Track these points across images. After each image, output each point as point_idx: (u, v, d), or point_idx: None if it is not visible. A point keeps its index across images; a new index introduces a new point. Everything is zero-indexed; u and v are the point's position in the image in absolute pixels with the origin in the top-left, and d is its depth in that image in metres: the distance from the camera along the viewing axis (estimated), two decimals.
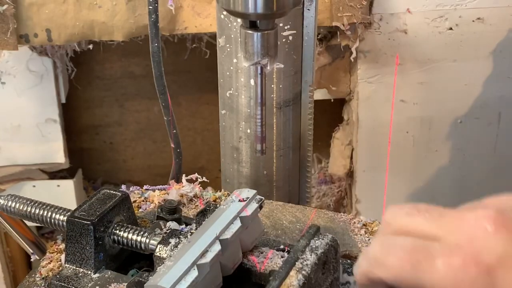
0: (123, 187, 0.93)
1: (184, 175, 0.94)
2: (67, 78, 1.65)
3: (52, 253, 0.80)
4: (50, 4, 1.34)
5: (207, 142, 1.88)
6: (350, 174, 1.64)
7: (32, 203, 0.78)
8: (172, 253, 0.67)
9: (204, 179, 0.93)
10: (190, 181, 0.93)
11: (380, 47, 1.45)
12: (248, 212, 0.71)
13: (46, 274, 0.76)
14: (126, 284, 0.70)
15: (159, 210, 0.78)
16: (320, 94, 1.59)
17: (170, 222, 0.77)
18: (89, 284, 0.71)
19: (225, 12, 0.90)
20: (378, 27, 1.42)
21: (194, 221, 0.73)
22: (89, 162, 1.88)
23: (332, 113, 1.70)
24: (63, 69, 1.61)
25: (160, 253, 0.68)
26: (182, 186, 0.91)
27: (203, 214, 0.73)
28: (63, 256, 0.77)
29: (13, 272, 1.76)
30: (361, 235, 0.84)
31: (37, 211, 0.77)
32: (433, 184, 1.60)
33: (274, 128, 0.98)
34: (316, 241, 0.69)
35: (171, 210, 0.77)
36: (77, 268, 0.72)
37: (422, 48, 1.45)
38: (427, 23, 1.43)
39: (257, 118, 0.80)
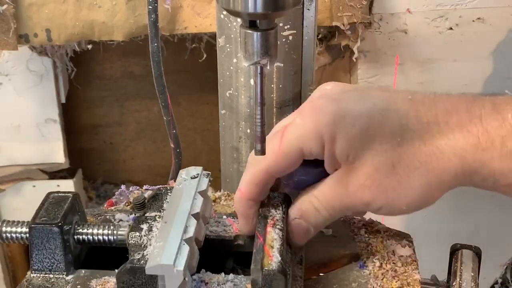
0: (123, 187, 0.93)
1: None
2: (67, 78, 1.65)
3: None
4: (50, 4, 1.34)
5: (207, 142, 1.88)
6: None
7: None
8: (149, 236, 0.69)
9: None
10: None
11: (380, 47, 1.45)
12: (203, 186, 0.76)
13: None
14: (106, 277, 0.71)
15: (131, 207, 0.81)
16: None
17: (118, 214, 0.81)
18: (68, 286, 0.71)
19: (225, 12, 0.90)
20: (378, 27, 1.42)
21: (147, 206, 0.75)
22: (89, 162, 1.88)
23: None
24: (63, 69, 1.61)
25: (134, 240, 0.70)
26: None
27: (155, 198, 0.76)
28: None
29: (13, 272, 1.76)
30: (361, 235, 0.84)
31: None
32: None
33: None
34: (274, 199, 0.75)
35: (140, 205, 0.78)
36: (47, 275, 0.72)
37: (422, 48, 1.45)
38: (427, 23, 1.42)
39: (257, 118, 0.80)
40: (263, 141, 0.81)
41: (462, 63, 1.47)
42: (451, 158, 0.67)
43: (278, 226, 0.71)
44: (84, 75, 1.74)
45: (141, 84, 1.80)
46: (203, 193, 0.75)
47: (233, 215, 0.82)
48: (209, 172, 0.79)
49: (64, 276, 0.72)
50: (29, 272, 0.76)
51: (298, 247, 0.77)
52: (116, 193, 0.92)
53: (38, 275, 0.73)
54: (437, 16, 1.42)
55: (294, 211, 0.74)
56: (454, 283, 0.75)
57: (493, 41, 1.46)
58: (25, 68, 1.53)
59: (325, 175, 0.74)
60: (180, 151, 1.13)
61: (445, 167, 0.67)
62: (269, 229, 0.71)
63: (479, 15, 1.42)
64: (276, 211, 0.74)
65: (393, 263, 0.78)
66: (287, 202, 0.76)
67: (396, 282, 0.74)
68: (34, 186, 1.67)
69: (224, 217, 0.82)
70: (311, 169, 0.75)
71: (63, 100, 1.62)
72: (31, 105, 1.58)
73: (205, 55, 1.56)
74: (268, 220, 0.72)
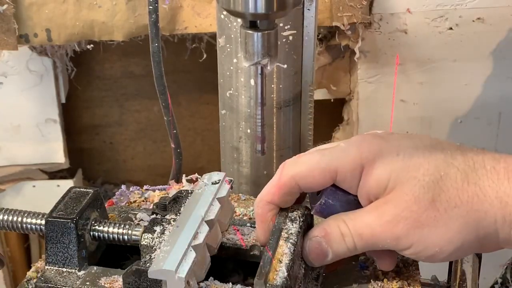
0: (123, 187, 0.93)
1: (184, 175, 0.94)
2: (67, 78, 1.65)
3: None
4: (50, 4, 1.34)
5: (207, 142, 1.88)
6: None
7: (1, 211, 0.77)
8: (160, 239, 0.69)
9: None
10: (190, 181, 0.93)
11: (380, 47, 1.45)
12: (223, 193, 0.74)
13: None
14: (115, 276, 0.71)
15: (154, 207, 0.79)
16: (320, 94, 1.59)
17: (139, 213, 0.80)
18: (78, 281, 0.71)
19: (225, 12, 0.90)
20: (378, 27, 1.42)
21: (167, 208, 0.75)
22: (89, 162, 1.88)
23: (332, 113, 1.70)
24: (63, 69, 1.61)
25: (147, 242, 0.69)
26: (182, 186, 0.91)
27: (176, 201, 0.75)
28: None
29: (13, 272, 1.76)
30: None
31: (6, 217, 0.76)
32: None
33: (274, 128, 0.98)
34: (293, 212, 0.72)
35: (165, 206, 0.78)
36: (60, 268, 0.73)
37: (422, 48, 1.45)
38: (427, 23, 1.43)
39: (257, 118, 0.80)
40: (263, 141, 0.81)
41: (462, 63, 1.48)
42: (494, 201, 0.64)
43: (291, 240, 0.69)
44: (84, 75, 1.74)
45: (141, 84, 1.80)
46: (222, 200, 0.74)
47: (253, 222, 0.80)
48: (232, 179, 0.77)
49: (76, 271, 0.72)
50: (30, 271, 0.76)
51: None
52: (117, 193, 0.92)
53: (52, 267, 0.73)
54: (437, 16, 1.42)
55: (318, 229, 0.71)
56: (454, 283, 0.75)
57: (493, 41, 1.46)
58: (25, 68, 1.53)
59: (355, 207, 0.70)
60: (181, 151, 1.13)
61: (486, 209, 0.64)
62: (281, 242, 0.68)
63: (479, 15, 1.42)
64: (292, 225, 0.71)
65: None
66: (306, 216, 0.73)
67: (396, 282, 0.74)
68: (34, 186, 1.67)
69: (248, 224, 0.80)
70: (341, 194, 0.71)
71: (63, 100, 1.62)
72: (31, 105, 1.58)
73: (205, 55, 1.56)
74: (282, 233, 0.70)
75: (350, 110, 1.58)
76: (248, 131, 0.97)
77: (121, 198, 0.91)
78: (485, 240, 0.66)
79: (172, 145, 1.12)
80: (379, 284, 0.74)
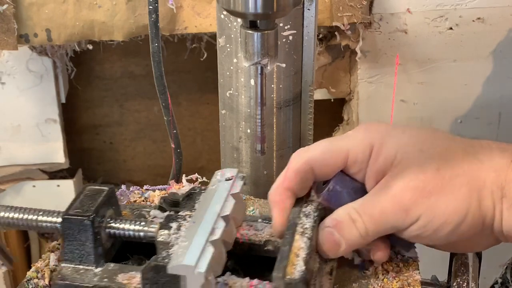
0: (123, 187, 0.93)
1: (184, 175, 0.94)
2: (67, 78, 1.65)
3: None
4: (50, 4, 1.34)
5: (207, 142, 1.88)
6: None
7: (13, 209, 0.78)
8: (177, 235, 0.70)
9: (204, 179, 0.94)
10: (190, 181, 0.93)
11: (380, 47, 1.45)
12: (237, 189, 0.75)
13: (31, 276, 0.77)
14: (133, 273, 0.71)
15: (162, 200, 0.80)
16: (320, 94, 1.59)
17: (153, 210, 0.80)
18: (95, 278, 0.72)
19: (225, 12, 0.90)
20: (378, 27, 1.42)
21: (181, 205, 0.76)
22: (89, 162, 1.88)
23: (332, 113, 1.70)
24: (63, 69, 1.61)
25: (163, 238, 0.70)
26: (182, 186, 0.91)
27: (189, 197, 0.76)
28: (52, 255, 0.77)
29: (13, 272, 1.76)
30: None
31: (24, 216, 0.77)
32: None
33: (274, 128, 0.98)
34: (307, 207, 0.73)
35: (174, 202, 0.79)
36: (77, 266, 0.73)
37: (422, 48, 1.45)
38: (427, 23, 1.43)
39: (257, 118, 0.80)
40: (263, 141, 0.81)
41: (462, 63, 1.48)
42: (489, 171, 0.68)
43: (306, 235, 0.69)
44: (84, 75, 1.74)
45: (141, 84, 1.79)
46: (236, 196, 0.75)
47: (265, 218, 0.81)
48: (244, 175, 0.79)
49: (93, 268, 0.73)
50: (30, 271, 0.76)
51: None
52: (117, 193, 0.92)
53: (68, 265, 0.73)
54: (437, 16, 1.42)
55: (328, 220, 0.72)
56: (454, 283, 0.75)
57: (493, 41, 1.46)
58: (25, 68, 1.53)
59: (361, 195, 0.72)
60: (181, 151, 1.13)
61: (484, 178, 0.68)
62: (297, 237, 0.69)
63: (479, 15, 1.42)
64: (306, 219, 0.72)
65: (394, 263, 0.78)
66: (320, 211, 0.74)
67: (396, 282, 0.74)
68: (34, 186, 1.67)
69: (260, 220, 0.81)
70: (348, 180, 0.73)
71: (63, 100, 1.62)
72: (31, 105, 1.58)
73: (205, 55, 1.56)
74: (297, 228, 0.70)
75: (350, 110, 1.58)
76: (248, 131, 0.97)
77: (121, 198, 0.91)
78: (486, 218, 0.69)
79: (172, 145, 1.12)
80: (379, 284, 0.75)
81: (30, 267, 0.78)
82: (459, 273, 0.76)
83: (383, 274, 0.75)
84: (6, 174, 1.64)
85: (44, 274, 0.76)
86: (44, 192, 1.67)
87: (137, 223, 0.75)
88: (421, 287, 0.75)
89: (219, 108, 1.00)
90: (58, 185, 1.68)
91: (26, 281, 0.76)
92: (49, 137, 1.62)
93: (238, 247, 0.75)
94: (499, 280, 1.16)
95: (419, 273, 0.77)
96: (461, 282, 0.75)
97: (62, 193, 1.68)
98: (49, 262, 0.78)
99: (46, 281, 0.75)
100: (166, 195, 0.83)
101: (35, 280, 0.76)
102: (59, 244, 0.82)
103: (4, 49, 1.41)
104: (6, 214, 0.77)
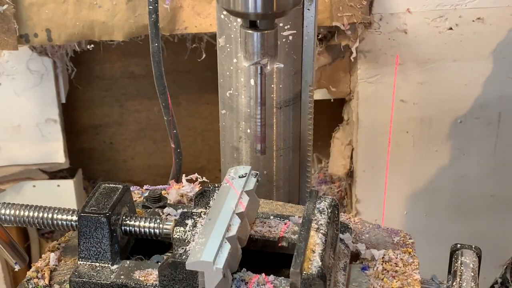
0: None
1: (184, 175, 0.94)
2: (67, 78, 1.65)
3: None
4: (50, 4, 1.34)
5: (207, 142, 1.88)
6: (350, 174, 1.64)
7: (28, 207, 0.78)
8: (192, 232, 0.70)
9: (204, 179, 0.94)
10: (190, 181, 0.93)
11: (380, 47, 1.45)
12: (251, 186, 0.76)
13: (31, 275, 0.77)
14: (149, 269, 0.72)
15: (144, 200, 0.81)
16: (320, 94, 1.59)
17: (167, 208, 0.81)
18: (112, 275, 0.72)
19: (225, 12, 0.90)
20: (378, 27, 1.42)
21: (194, 202, 0.76)
22: (89, 162, 1.88)
23: (332, 113, 1.70)
24: (63, 69, 1.61)
25: (179, 235, 0.71)
26: (182, 186, 0.91)
27: (202, 195, 0.76)
28: (52, 255, 0.77)
29: (13, 272, 1.76)
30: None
31: (37, 214, 0.77)
32: (433, 184, 1.60)
33: (274, 128, 0.98)
34: (321, 203, 0.74)
35: (156, 199, 0.80)
36: (93, 263, 0.74)
37: (422, 48, 1.45)
38: (427, 23, 1.43)
39: (257, 118, 0.80)
40: (263, 141, 0.81)
41: (462, 63, 1.48)
42: None
43: (321, 231, 0.70)
44: (84, 75, 1.74)
45: (141, 84, 1.80)
46: (249, 193, 0.75)
47: (280, 216, 0.81)
48: (257, 172, 0.79)
49: (109, 265, 0.73)
50: (30, 271, 0.76)
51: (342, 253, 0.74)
52: None
53: (85, 262, 0.74)
54: (437, 16, 1.42)
55: None
56: (454, 283, 0.75)
57: (493, 41, 1.46)
58: (25, 68, 1.53)
59: None
60: (181, 151, 1.13)
61: None
62: (312, 233, 0.70)
63: (479, 15, 1.42)
64: (321, 215, 0.72)
65: (394, 263, 0.78)
66: (333, 207, 0.74)
67: (396, 282, 0.74)
68: (34, 186, 1.67)
69: (271, 217, 0.81)
70: None
71: (63, 100, 1.62)
72: (31, 105, 1.58)
73: (205, 55, 1.56)
74: (313, 224, 0.71)
75: (350, 110, 1.58)
76: (248, 131, 0.97)
77: None
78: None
79: (172, 145, 1.12)
80: (379, 284, 0.75)
81: (30, 267, 0.78)
82: (459, 273, 0.76)
83: (383, 274, 0.76)
84: (6, 174, 1.64)
85: (44, 274, 0.76)
86: (44, 192, 1.67)
87: (152, 220, 0.75)
88: (421, 286, 0.75)
89: (219, 108, 1.00)
90: (58, 185, 1.68)
91: (26, 281, 0.76)
92: (49, 137, 1.62)
93: (252, 244, 0.76)
94: (499, 280, 1.16)
95: (419, 273, 0.77)
96: (461, 282, 0.75)
97: (62, 193, 1.68)
98: (49, 262, 0.78)
99: (46, 281, 0.75)
100: (146, 194, 0.84)
101: (35, 280, 0.76)
102: (59, 244, 0.82)
103: (4, 49, 1.41)
104: (22, 213, 0.77)
